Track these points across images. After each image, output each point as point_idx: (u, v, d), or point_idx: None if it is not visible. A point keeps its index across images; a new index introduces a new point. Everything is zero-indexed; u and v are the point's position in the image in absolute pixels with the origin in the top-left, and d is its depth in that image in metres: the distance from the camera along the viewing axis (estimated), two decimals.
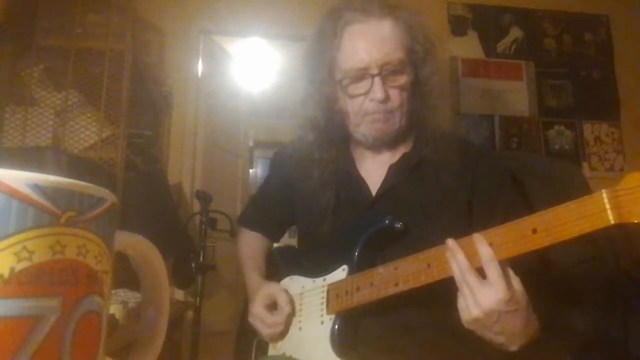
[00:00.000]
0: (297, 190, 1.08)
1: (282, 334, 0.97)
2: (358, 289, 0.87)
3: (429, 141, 0.97)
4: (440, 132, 0.96)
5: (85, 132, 1.99)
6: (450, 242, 0.75)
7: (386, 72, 0.93)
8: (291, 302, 0.97)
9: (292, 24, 3.01)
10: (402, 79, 0.94)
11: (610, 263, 1.14)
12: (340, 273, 0.92)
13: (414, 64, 0.96)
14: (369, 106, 0.94)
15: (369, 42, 0.93)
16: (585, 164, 3.05)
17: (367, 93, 0.94)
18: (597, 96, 3.16)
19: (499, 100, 3.09)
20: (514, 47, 3.19)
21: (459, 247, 0.74)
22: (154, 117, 2.69)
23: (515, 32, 3.21)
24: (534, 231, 0.67)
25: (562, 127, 3.11)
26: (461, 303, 0.74)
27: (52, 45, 2.04)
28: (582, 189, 1.18)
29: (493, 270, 0.70)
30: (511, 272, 0.72)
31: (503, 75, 3.13)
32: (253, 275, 1.08)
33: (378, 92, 0.92)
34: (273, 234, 1.21)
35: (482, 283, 0.71)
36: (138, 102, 2.29)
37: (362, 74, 0.93)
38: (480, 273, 0.72)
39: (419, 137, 1.01)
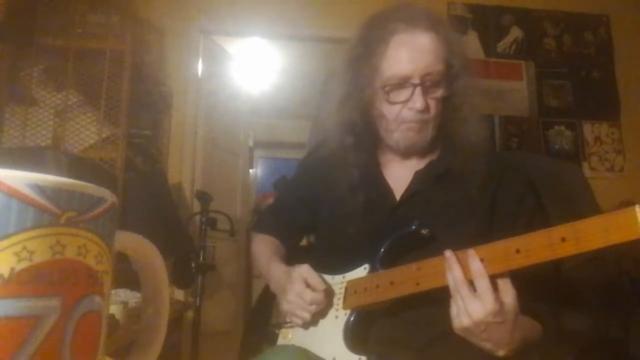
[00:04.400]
0: (323, 194, 1.09)
1: (322, 314, 0.96)
2: (377, 286, 0.89)
3: (456, 152, 1.00)
4: (469, 144, 0.99)
5: (85, 132, 1.99)
6: (447, 253, 0.79)
7: (427, 83, 0.96)
8: (326, 282, 0.96)
9: (292, 24, 3.01)
10: (440, 91, 0.98)
11: (612, 263, 1.14)
12: (361, 271, 0.94)
13: (450, 78, 0.99)
14: (406, 114, 0.97)
15: (413, 53, 0.96)
16: (585, 164, 3.05)
17: (406, 101, 0.96)
18: (597, 96, 3.16)
19: (499, 100, 3.09)
20: (514, 47, 3.19)
21: (455, 259, 0.78)
22: (154, 117, 2.70)
23: (515, 32, 3.21)
24: (563, 239, 0.69)
25: (562, 127, 3.11)
26: (453, 311, 0.79)
27: (52, 45, 2.04)
28: (583, 189, 1.18)
29: (482, 285, 0.75)
30: (506, 286, 0.76)
31: (503, 75, 3.14)
32: (280, 266, 1.06)
33: (418, 102, 0.95)
34: (289, 241, 1.19)
35: (473, 295, 0.76)
36: (138, 102, 2.28)
37: (403, 82, 0.96)
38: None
39: (446, 147, 1.03)
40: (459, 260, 0.78)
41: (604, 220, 0.66)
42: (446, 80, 0.98)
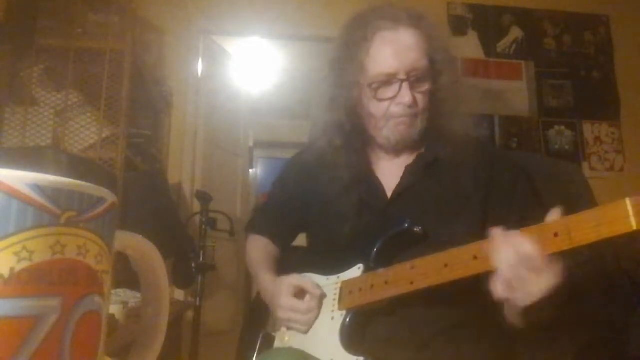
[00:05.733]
0: (315, 194, 1.09)
1: (316, 319, 0.96)
2: (372, 286, 0.88)
3: (444, 143, 1.00)
4: (456, 135, 1.00)
5: (85, 132, 1.99)
6: (496, 232, 0.75)
7: (413, 78, 0.97)
8: (318, 285, 0.97)
9: (292, 24, 3.01)
10: (426, 86, 0.99)
11: (611, 263, 1.14)
12: (356, 271, 0.94)
13: (434, 73, 1.00)
14: (395, 110, 0.98)
15: (398, 49, 0.97)
16: (585, 164, 3.05)
17: (394, 97, 0.97)
18: (597, 96, 3.16)
19: (499, 100, 3.09)
20: (514, 47, 3.19)
21: (509, 242, 0.73)
22: (154, 117, 2.69)
23: (515, 32, 3.21)
24: (556, 235, 0.69)
25: (562, 127, 3.11)
26: (512, 295, 0.73)
27: (52, 45, 2.04)
28: (583, 189, 1.18)
29: (538, 260, 0.70)
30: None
31: (503, 75, 3.13)
32: (267, 275, 1.07)
33: (406, 97, 0.96)
34: (283, 241, 1.20)
35: (532, 271, 0.71)
36: (138, 102, 2.28)
37: (390, 79, 0.97)
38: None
39: (434, 139, 1.03)
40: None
41: (596, 214, 0.66)
42: (431, 75, 0.99)
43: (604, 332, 1.14)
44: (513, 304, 0.75)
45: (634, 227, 0.62)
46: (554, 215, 0.72)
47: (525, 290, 0.72)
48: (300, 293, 0.97)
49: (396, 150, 1.04)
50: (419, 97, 0.98)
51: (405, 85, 0.96)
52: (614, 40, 3.24)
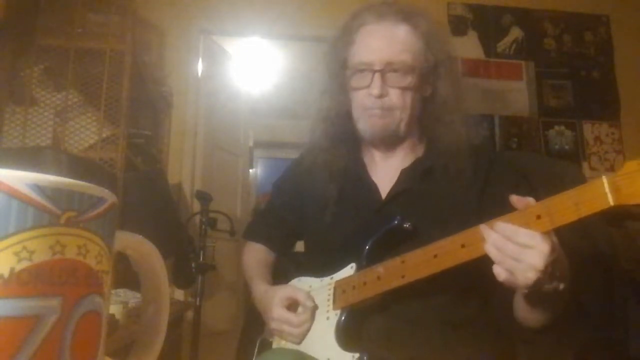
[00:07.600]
0: (306, 190, 1.09)
1: (308, 332, 0.96)
2: (365, 283, 0.89)
3: (441, 150, 0.99)
4: (454, 143, 0.98)
5: (85, 132, 1.99)
6: (482, 227, 0.76)
7: (389, 70, 0.96)
8: (311, 296, 0.96)
9: (292, 24, 3.01)
10: (406, 81, 0.97)
11: (610, 263, 1.14)
12: (348, 271, 0.94)
13: (424, 72, 0.98)
14: (367, 101, 0.98)
15: (378, 41, 0.98)
16: (585, 164, 3.05)
17: (367, 88, 0.97)
18: (597, 96, 3.16)
19: (499, 100, 3.09)
20: (514, 47, 3.19)
21: (488, 228, 0.75)
22: (154, 117, 2.70)
23: (515, 32, 3.21)
24: (538, 217, 0.71)
25: (562, 127, 3.11)
26: (514, 278, 0.72)
27: (52, 45, 2.04)
28: None
29: (525, 235, 0.71)
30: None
31: (503, 75, 3.13)
32: (262, 285, 1.07)
33: (375, 88, 0.96)
34: (279, 247, 1.19)
35: (524, 248, 0.71)
36: (138, 102, 2.29)
37: (365, 69, 0.98)
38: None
39: (431, 146, 1.03)
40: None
41: (575, 194, 0.68)
42: (417, 72, 0.97)
43: (604, 332, 1.15)
44: (516, 285, 0.74)
45: (611, 204, 0.64)
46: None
47: (520, 267, 0.71)
48: (293, 304, 0.97)
49: (378, 145, 1.03)
50: (396, 91, 0.97)
51: (377, 75, 0.95)
52: (614, 40, 3.24)
